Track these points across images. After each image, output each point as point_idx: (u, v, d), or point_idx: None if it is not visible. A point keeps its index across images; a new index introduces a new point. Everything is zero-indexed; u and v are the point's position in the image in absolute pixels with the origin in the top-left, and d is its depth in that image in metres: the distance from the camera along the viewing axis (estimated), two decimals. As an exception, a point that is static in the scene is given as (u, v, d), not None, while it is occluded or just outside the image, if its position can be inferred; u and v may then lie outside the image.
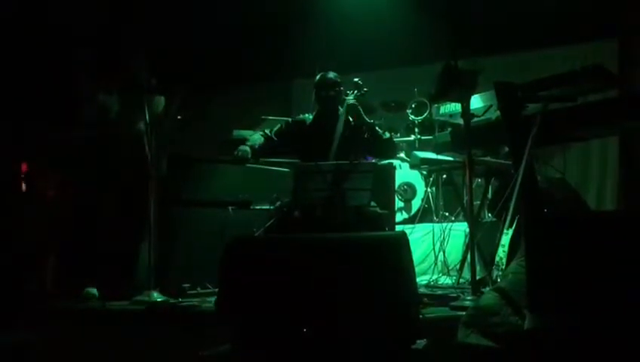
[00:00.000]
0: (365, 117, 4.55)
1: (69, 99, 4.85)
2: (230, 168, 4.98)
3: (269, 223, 4.26)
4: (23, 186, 5.48)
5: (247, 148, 4.51)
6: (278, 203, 4.51)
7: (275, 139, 4.67)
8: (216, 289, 3.73)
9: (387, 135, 4.68)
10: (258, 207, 4.94)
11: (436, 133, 5.75)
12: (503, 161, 4.90)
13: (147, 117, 4.60)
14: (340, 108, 4.54)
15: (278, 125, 4.76)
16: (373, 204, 4.24)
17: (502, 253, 3.98)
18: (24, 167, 5.51)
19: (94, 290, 4.58)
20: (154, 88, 4.68)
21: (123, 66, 4.86)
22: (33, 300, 4.65)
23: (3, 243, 5.00)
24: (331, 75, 4.57)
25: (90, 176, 4.78)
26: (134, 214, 4.73)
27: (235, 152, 4.50)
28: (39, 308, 4.39)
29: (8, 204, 5.32)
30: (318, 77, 4.60)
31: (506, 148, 4.83)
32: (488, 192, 5.34)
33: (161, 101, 4.79)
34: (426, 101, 6.30)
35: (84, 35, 5.50)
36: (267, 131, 4.73)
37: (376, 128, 4.55)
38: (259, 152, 4.58)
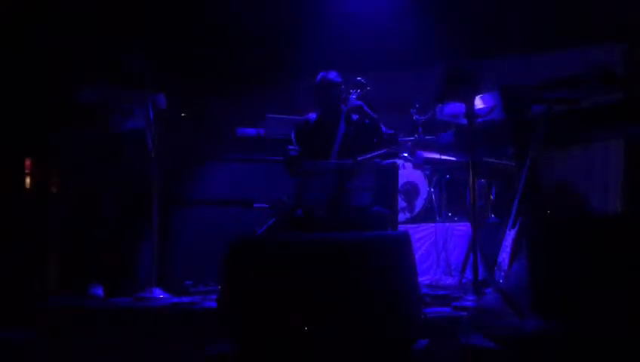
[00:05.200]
0: (370, 112, 4.46)
1: (69, 96, 4.84)
2: (233, 167, 4.98)
3: (271, 222, 4.25)
4: (27, 183, 5.48)
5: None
6: (280, 202, 4.50)
7: (300, 148, 4.52)
8: (218, 287, 3.74)
9: (391, 131, 4.55)
10: (260, 206, 4.94)
11: (440, 134, 5.75)
12: (506, 162, 4.89)
13: (150, 113, 4.60)
14: (343, 107, 4.52)
15: (292, 135, 4.63)
16: (375, 203, 4.23)
17: (504, 253, 3.98)
18: (27, 163, 5.51)
19: (99, 291, 4.56)
20: (153, 84, 4.68)
21: (123, 63, 4.84)
22: (35, 298, 4.66)
23: (6, 240, 5.00)
24: (332, 74, 4.52)
25: (92, 174, 4.78)
26: (137, 212, 4.73)
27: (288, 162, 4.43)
28: (41, 306, 4.39)
29: (12, 202, 5.32)
30: (318, 77, 4.56)
31: (510, 149, 4.83)
32: (491, 193, 5.34)
33: (161, 98, 4.78)
34: (430, 101, 6.29)
35: (84, 31, 5.50)
36: (292, 148, 4.56)
37: (380, 125, 4.48)
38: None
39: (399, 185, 5.72)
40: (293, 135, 4.61)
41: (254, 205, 4.96)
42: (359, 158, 4.19)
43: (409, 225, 5.62)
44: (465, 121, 4.19)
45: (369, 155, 4.28)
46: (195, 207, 5.04)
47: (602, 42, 6.23)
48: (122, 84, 4.81)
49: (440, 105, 5.18)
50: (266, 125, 5.92)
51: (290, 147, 4.51)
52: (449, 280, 4.94)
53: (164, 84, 4.79)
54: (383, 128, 4.50)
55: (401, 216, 5.89)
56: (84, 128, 4.81)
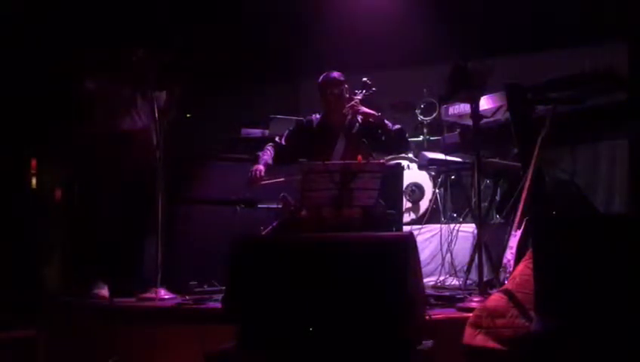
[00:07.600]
0: (372, 112, 4.49)
1: (75, 96, 4.84)
2: (238, 166, 4.98)
3: (275, 222, 4.25)
4: (33, 183, 5.50)
5: (262, 168, 4.45)
6: (285, 202, 4.50)
7: (285, 144, 4.62)
8: (223, 287, 3.73)
9: (397, 126, 4.56)
10: (265, 206, 4.94)
11: (445, 134, 5.75)
12: (511, 163, 4.88)
13: (155, 113, 4.60)
14: (347, 108, 4.52)
15: (287, 130, 4.73)
16: (380, 204, 4.23)
17: (509, 254, 3.97)
18: (33, 163, 5.52)
19: (104, 291, 4.55)
20: (157, 84, 4.68)
21: (127, 62, 4.83)
22: (39, 297, 4.66)
23: (8, 240, 5.01)
24: (335, 74, 4.54)
25: (97, 173, 4.78)
26: (141, 211, 4.73)
27: (250, 174, 4.42)
28: (45, 305, 4.40)
29: (17, 201, 5.33)
30: (321, 77, 4.58)
31: (515, 150, 4.82)
32: (496, 193, 5.33)
33: (163, 96, 4.78)
34: (435, 101, 6.29)
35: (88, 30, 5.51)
36: (277, 139, 4.68)
37: (385, 121, 4.49)
38: (275, 164, 4.53)
39: (404, 186, 5.71)
40: (286, 133, 4.65)
41: (258, 206, 4.96)
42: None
43: (414, 226, 5.60)
44: (470, 122, 4.19)
45: (382, 159, 4.29)
46: (200, 206, 5.04)
47: (606, 42, 6.21)
48: (126, 83, 4.81)
49: (445, 105, 5.18)
50: (270, 126, 5.94)
51: (269, 146, 4.55)
52: (454, 281, 4.92)
53: (170, 84, 4.79)
54: (389, 124, 4.49)
55: (406, 217, 5.88)
56: (87, 128, 4.81)
